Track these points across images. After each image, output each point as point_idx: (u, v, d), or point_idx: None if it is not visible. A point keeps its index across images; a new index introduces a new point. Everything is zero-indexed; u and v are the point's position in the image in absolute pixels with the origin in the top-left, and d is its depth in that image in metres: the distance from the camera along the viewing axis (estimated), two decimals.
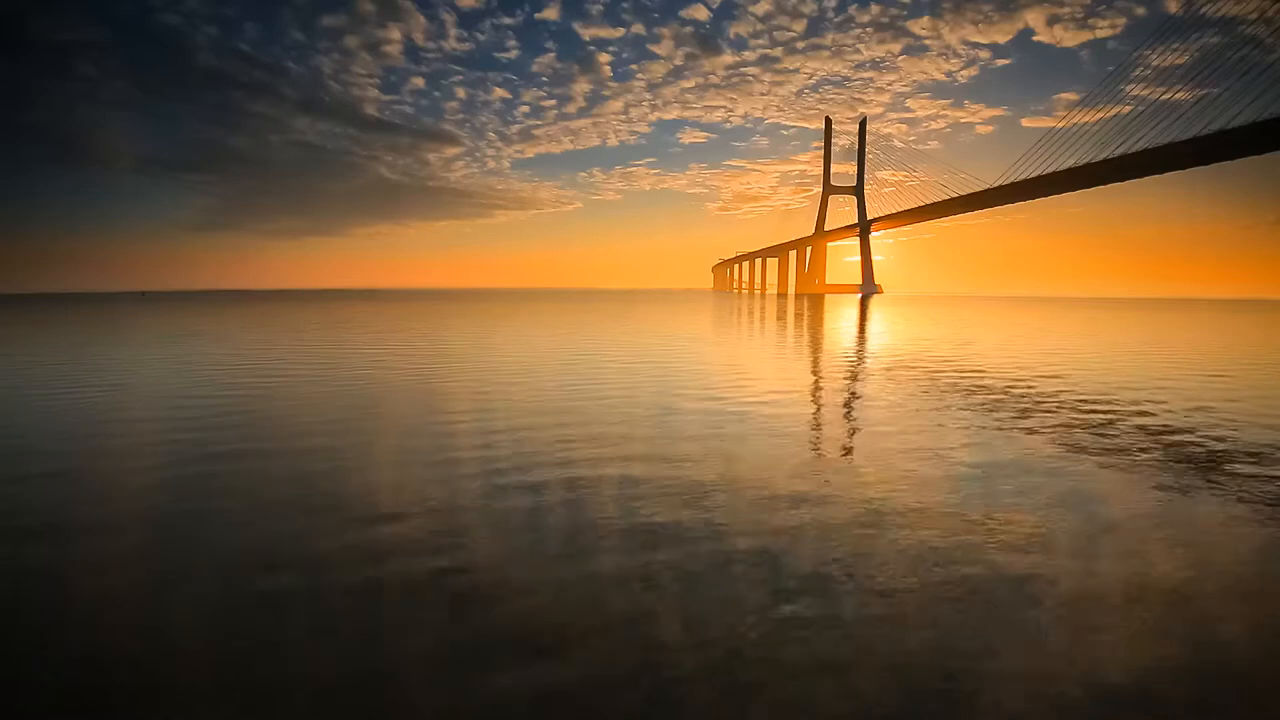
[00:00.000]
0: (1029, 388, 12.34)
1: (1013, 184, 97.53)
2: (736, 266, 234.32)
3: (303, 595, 3.81)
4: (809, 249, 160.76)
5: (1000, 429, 8.51)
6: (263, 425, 8.60)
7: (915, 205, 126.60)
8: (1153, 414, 9.68)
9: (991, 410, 9.89)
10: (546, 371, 13.98)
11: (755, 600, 3.73)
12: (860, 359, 17.31)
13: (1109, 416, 9.50)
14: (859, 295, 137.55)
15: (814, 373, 14.34)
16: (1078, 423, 9.00)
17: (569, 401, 10.24)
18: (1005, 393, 11.69)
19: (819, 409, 10.05)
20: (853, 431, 8.45)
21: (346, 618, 3.55)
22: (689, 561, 4.26)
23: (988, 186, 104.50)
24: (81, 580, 4.08)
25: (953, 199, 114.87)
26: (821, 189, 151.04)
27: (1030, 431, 8.37)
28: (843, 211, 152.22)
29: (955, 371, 14.71)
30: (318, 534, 4.77)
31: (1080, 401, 10.78)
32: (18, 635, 3.43)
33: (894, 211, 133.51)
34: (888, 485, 5.98)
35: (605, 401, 10.19)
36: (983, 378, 13.76)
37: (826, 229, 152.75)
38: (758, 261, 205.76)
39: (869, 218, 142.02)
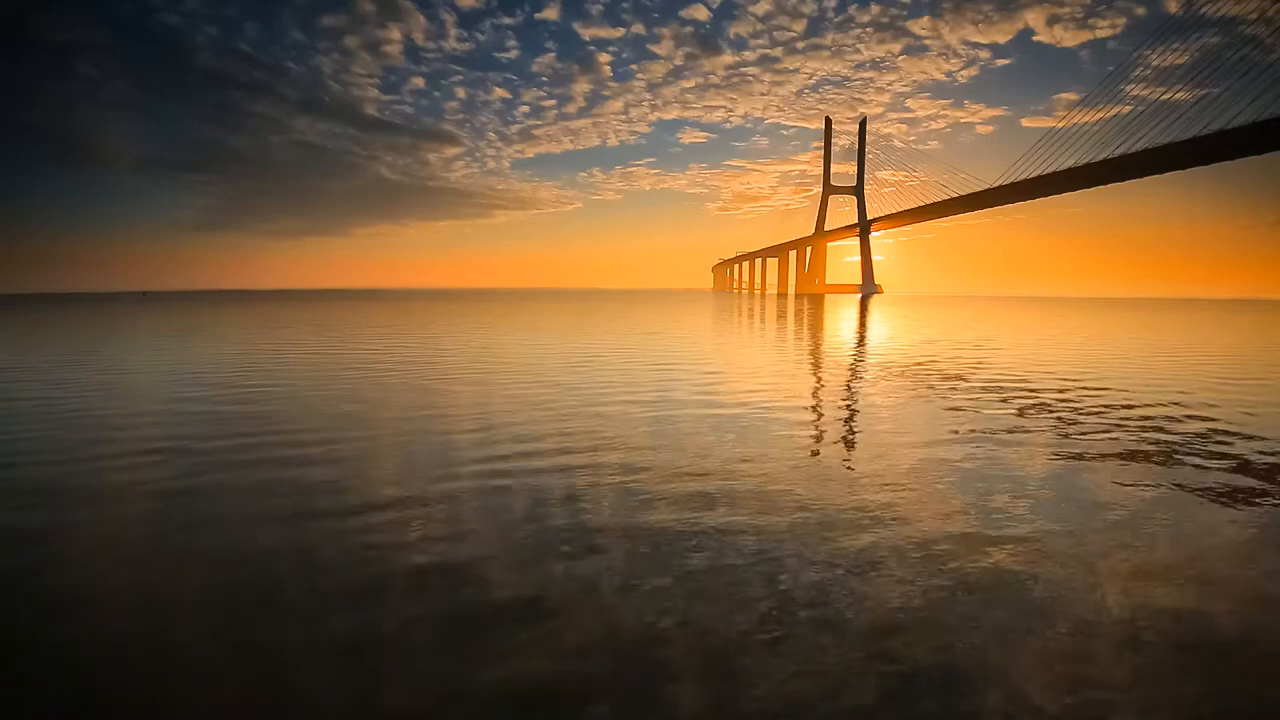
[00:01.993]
0: (1077, 398, 10.80)
1: (1013, 184, 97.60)
2: (736, 266, 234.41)
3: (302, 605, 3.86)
4: (809, 249, 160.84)
5: (1076, 455, 7.01)
6: (263, 423, 8.66)
7: (915, 205, 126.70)
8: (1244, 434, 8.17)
9: (1055, 428, 8.42)
10: (550, 373, 14.01)
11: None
12: (879, 364, 16.02)
13: (1190, 433, 8.17)
14: (859, 295, 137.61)
15: (834, 380, 13.05)
16: (1165, 445, 7.45)
17: (577, 405, 10.19)
18: (1060, 405, 10.12)
19: (853, 424, 8.75)
20: (897, 453, 7.02)
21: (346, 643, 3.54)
22: (698, 573, 4.17)
23: (988, 186, 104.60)
24: (69, 580, 4.10)
25: (953, 199, 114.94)
26: (821, 189, 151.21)
27: (1108, 456, 6.96)
28: (843, 211, 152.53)
29: (990, 379, 13.18)
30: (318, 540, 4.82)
31: (1158, 418, 9.10)
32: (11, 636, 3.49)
33: (894, 211, 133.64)
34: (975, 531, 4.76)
35: (615, 407, 9.83)
36: (1018, 384, 12.34)
37: (826, 229, 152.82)
38: (758, 261, 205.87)
39: (869, 218, 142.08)
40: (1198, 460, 6.81)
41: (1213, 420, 9.04)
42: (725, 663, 3.09)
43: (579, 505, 5.32)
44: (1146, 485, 5.93)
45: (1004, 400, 10.64)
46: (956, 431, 8.18)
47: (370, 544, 4.49)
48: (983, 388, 12.01)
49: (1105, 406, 10.11)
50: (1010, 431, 8.18)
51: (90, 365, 15.62)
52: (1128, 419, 9.07)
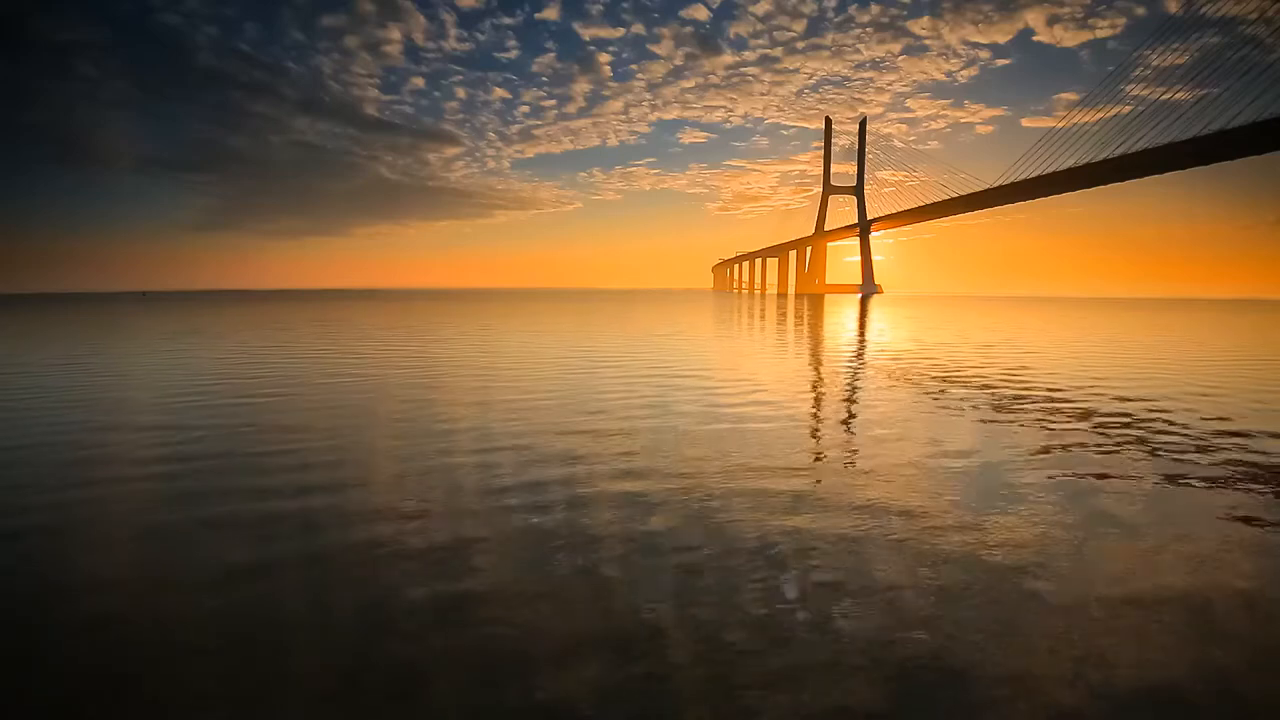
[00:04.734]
0: (1159, 422, 8.79)
1: (1013, 184, 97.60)
2: (736, 266, 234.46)
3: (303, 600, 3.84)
4: (809, 249, 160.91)
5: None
6: (263, 438, 8.65)
7: (915, 205, 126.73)
8: None
9: (1157, 466, 6.59)
10: (558, 378, 13.94)
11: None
12: (915, 372, 14.28)
13: None
14: (859, 295, 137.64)
15: (878, 394, 11.17)
16: None
17: (594, 414, 9.96)
18: (1144, 431, 8.22)
19: (915, 457, 6.84)
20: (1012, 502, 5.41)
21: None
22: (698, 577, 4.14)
23: (988, 186, 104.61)
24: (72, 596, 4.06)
25: (953, 199, 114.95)
26: (821, 189, 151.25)
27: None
28: (843, 211, 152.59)
29: (1039, 391, 11.40)
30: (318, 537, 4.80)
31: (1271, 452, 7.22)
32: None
33: (894, 211, 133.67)
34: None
35: (626, 417, 9.68)
36: (1075, 401, 10.48)
37: (826, 229, 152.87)
38: (758, 261, 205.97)
39: (869, 218, 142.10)
40: None
41: None
42: None
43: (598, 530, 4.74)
44: None
45: (1073, 420, 8.91)
46: (1053, 475, 6.20)
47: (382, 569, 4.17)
48: (1039, 404, 10.25)
49: (1204, 434, 8.14)
50: (1106, 478, 6.17)
51: (83, 371, 15.61)
52: (1238, 450, 7.26)
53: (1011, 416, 9.19)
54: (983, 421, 8.83)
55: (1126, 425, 8.66)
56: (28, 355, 18.26)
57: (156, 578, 4.03)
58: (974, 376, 13.60)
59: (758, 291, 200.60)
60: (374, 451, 7.13)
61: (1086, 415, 9.34)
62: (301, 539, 4.57)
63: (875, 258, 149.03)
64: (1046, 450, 7.24)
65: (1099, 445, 7.51)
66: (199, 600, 3.73)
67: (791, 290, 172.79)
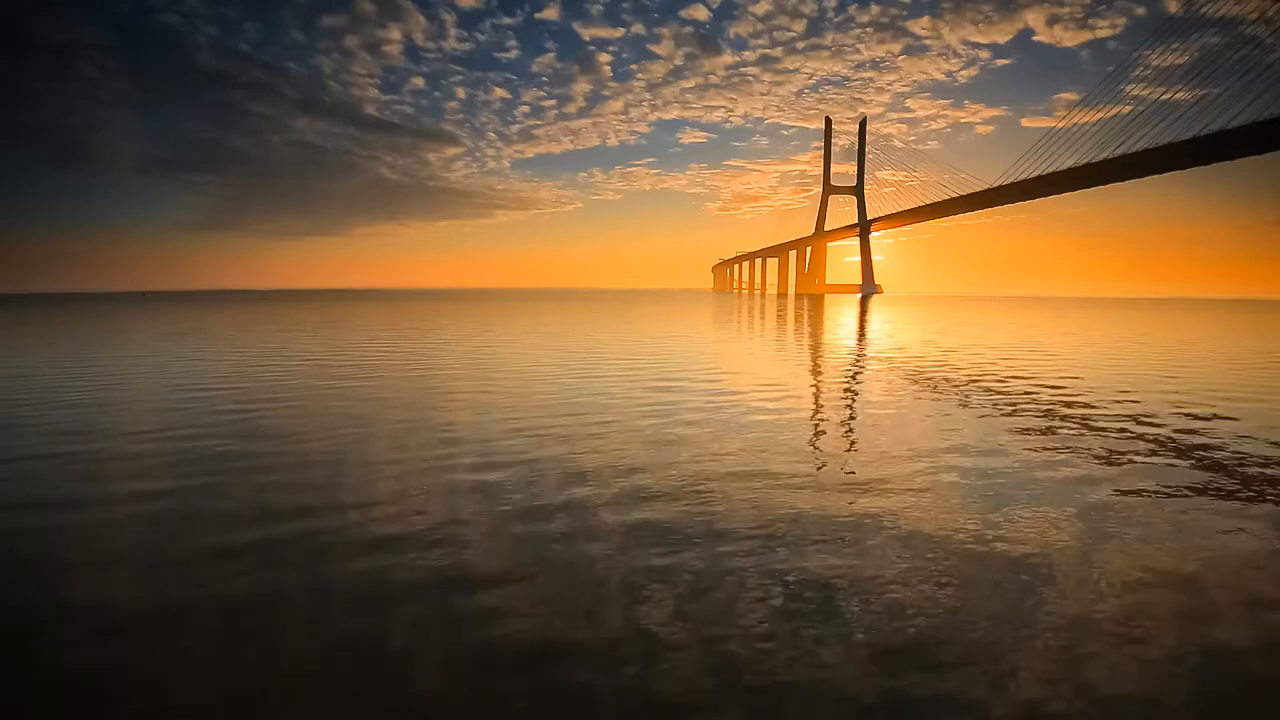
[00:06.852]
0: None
1: (1013, 184, 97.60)
2: (736, 266, 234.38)
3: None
4: (809, 249, 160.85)
5: None
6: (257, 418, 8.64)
7: (915, 205, 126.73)
8: None
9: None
10: (570, 389, 13.83)
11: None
12: (929, 377, 13.31)
13: None
14: (859, 295, 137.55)
15: (931, 411, 9.71)
16: None
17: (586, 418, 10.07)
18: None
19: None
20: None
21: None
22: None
23: (988, 186, 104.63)
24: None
25: (953, 199, 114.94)
26: (821, 189, 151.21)
27: None
28: (843, 211, 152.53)
29: (1105, 408, 9.98)
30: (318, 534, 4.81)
31: None
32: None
33: (894, 211, 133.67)
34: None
35: (636, 433, 9.22)
36: (1155, 421, 9.08)
37: (826, 229, 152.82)
38: (758, 261, 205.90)
39: (869, 218, 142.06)
40: None
41: None
42: None
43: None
44: None
45: (1143, 442, 7.79)
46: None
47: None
48: (1117, 427, 8.71)
49: None
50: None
51: (80, 382, 15.56)
52: None
53: (1077, 440, 7.90)
54: (1051, 449, 7.44)
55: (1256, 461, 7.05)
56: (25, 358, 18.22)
57: (149, 606, 4.01)
58: (1018, 390, 11.96)
59: (758, 291, 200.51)
60: (379, 464, 7.04)
61: (1160, 438, 8.05)
62: (304, 557, 4.58)
63: (875, 258, 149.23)
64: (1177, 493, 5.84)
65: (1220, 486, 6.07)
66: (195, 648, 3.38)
67: (791, 290, 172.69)
